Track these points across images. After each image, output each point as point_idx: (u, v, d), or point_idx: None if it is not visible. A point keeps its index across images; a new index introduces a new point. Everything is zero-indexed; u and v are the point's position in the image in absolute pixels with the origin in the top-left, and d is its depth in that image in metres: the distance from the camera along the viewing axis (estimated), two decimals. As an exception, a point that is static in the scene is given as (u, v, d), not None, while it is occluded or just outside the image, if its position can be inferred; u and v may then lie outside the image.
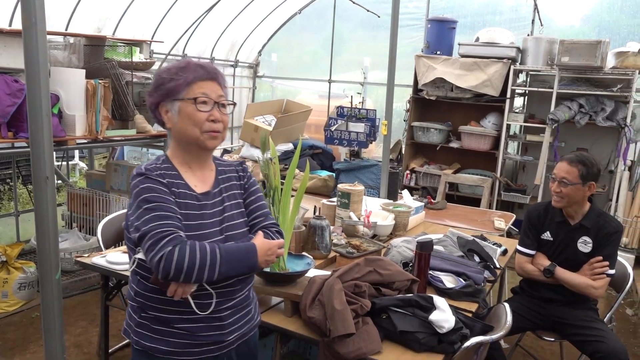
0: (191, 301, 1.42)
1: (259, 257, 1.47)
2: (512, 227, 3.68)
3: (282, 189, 2.04)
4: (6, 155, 4.73)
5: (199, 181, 1.55)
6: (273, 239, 1.57)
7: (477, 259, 2.55)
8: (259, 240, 1.51)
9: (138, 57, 4.03)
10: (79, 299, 3.72)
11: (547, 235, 2.62)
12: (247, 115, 5.87)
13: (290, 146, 5.75)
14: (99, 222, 2.89)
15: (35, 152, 1.57)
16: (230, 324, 1.53)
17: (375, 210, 2.98)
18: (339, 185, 3.00)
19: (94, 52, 3.75)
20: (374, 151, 6.08)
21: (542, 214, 2.65)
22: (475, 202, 5.17)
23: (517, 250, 2.72)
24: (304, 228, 2.51)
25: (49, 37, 3.63)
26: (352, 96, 5.13)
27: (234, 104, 1.58)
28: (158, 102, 1.50)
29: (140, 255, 1.41)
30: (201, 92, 1.46)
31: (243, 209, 1.61)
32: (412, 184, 5.70)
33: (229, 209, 1.56)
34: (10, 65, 3.13)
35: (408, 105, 5.70)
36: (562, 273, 2.53)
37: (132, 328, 1.52)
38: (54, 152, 5.80)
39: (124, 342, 3.07)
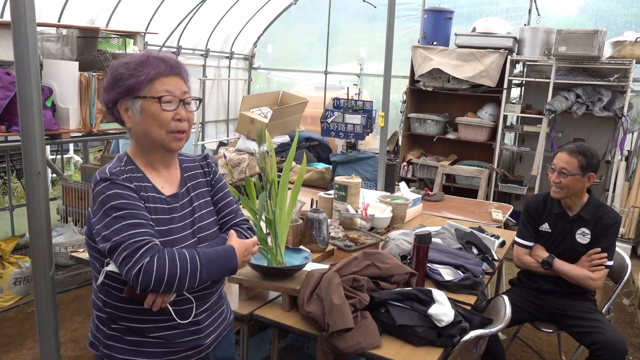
0: (171, 309, 1.35)
1: (238, 259, 1.42)
2: (509, 218, 3.67)
3: (278, 182, 2.02)
4: (-1, 149, 4.69)
5: (166, 182, 1.46)
6: (246, 237, 1.52)
7: (475, 251, 2.54)
8: (235, 241, 1.45)
9: (132, 49, 3.98)
10: (75, 294, 3.70)
11: (545, 227, 2.61)
12: (242, 107, 5.82)
13: (286, 138, 5.72)
14: (94, 216, 2.86)
15: (27, 146, 1.53)
16: (206, 327, 1.47)
17: (372, 203, 2.97)
18: (336, 178, 2.98)
19: (87, 44, 3.70)
20: (371, 143, 6.05)
21: (540, 205, 2.64)
22: (472, 193, 5.16)
23: (515, 242, 2.71)
24: (301, 221, 2.49)
25: (41, 28, 3.59)
26: (348, 88, 5.09)
27: (200, 100, 1.49)
28: (116, 100, 1.38)
29: (110, 268, 1.31)
30: (165, 89, 1.36)
31: (212, 207, 1.54)
32: (409, 175, 5.68)
33: (198, 209, 1.48)
34: (1, 57, 3.08)
35: (404, 96, 5.67)
36: (560, 265, 2.52)
37: (101, 341, 1.42)
38: (49, 146, 5.70)
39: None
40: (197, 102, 1.46)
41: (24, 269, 3.51)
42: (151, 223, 1.34)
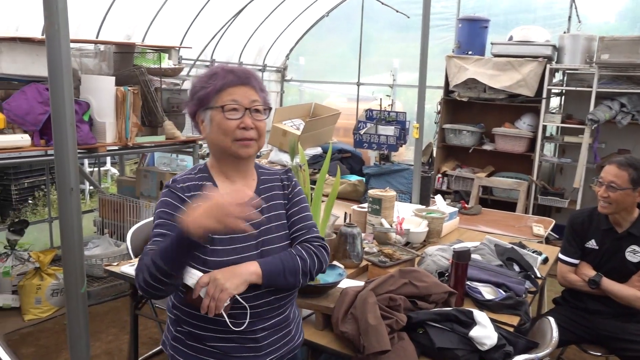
0: (225, 316, 1.34)
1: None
2: (551, 232, 3.51)
3: (312, 195, 1.97)
4: (39, 162, 4.82)
5: None
6: (314, 255, 1.48)
7: (516, 268, 2.43)
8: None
9: (167, 63, 4.03)
10: (111, 305, 3.74)
11: (591, 244, 2.48)
12: (275, 119, 5.83)
13: (319, 150, 5.69)
14: (130, 228, 2.88)
15: (60, 162, 1.54)
16: (266, 346, 1.46)
17: (407, 217, 2.88)
18: (370, 191, 2.92)
19: (123, 59, 3.77)
20: (404, 154, 5.95)
21: (586, 221, 2.51)
22: (510, 206, 4.99)
23: (559, 259, 2.58)
24: (334, 236, 2.44)
25: (79, 45, 3.68)
26: (381, 99, 5.03)
27: (270, 108, 1.49)
28: (194, 112, 1.47)
29: None
30: (230, 99, 1.40)
31: (284, 221, 1.52)
32: (444, 187, 5.55)
33: (266, 221, 1.48)
34: (42, 73, 3.16)
35: (439, 107, 5.57)
36: (608, 284, 2.38)
37: (169, 341, 1.50)
38: (87, 159, 5.82)
39: (153, 350, 3.05)
40: (268, 110, 1.47)
41: (61, 280, 3.56)
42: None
